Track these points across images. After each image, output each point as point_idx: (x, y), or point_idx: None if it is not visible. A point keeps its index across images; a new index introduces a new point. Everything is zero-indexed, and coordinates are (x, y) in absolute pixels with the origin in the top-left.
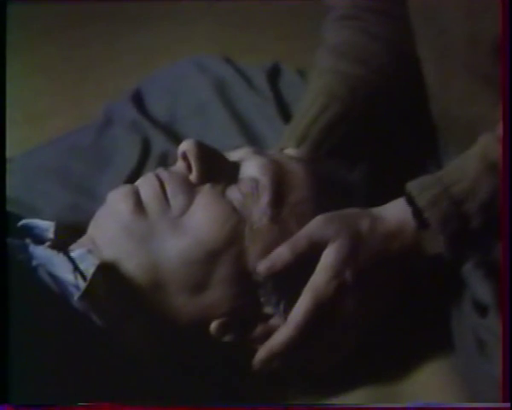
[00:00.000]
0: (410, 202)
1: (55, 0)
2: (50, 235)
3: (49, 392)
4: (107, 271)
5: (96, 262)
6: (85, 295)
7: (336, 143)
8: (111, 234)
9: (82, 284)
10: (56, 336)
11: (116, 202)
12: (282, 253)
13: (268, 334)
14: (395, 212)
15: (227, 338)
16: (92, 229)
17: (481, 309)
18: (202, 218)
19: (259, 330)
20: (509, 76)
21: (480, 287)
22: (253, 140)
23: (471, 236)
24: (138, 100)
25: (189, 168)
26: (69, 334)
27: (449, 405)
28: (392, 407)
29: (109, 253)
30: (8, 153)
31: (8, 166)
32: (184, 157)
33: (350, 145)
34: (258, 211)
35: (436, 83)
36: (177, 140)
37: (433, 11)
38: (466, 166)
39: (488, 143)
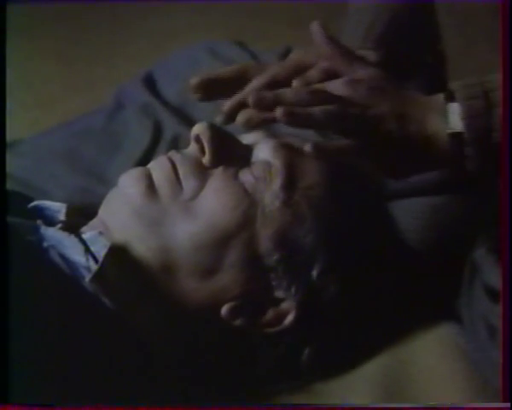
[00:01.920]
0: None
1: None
2: (61, 217)
3: (50, 389)
4: (119, 253)
5: (108, 244)
6: (97, 277)
7: (395, 46)
8: (122, 217)
9: (93, 266)
10: (65, 318)
11: (128, 185)
12: None
13: (279, 318)
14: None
15: (238, 322)
16: (103, 211)
17: (492, 295)
18: (214, 201)
19: (270, 313)
20: (509, 76)
21: (492, 273)
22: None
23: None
24: (150, 83)
25: (202, 151)
26: (79, 316)
27: (449, 405)
28: (392, 406)
29: (120, 236)
30: (20, 136)
31: (18, 148)
32: (197, 140)
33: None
34: (271, 195)
35: (456, 49)
36: (189, 124)
37: None
38: None
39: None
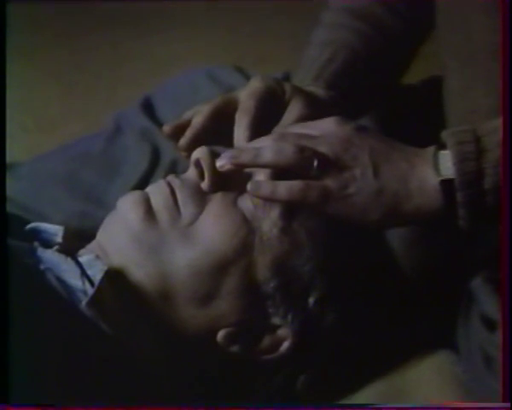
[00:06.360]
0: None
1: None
2: (59, 239)
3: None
4: (115, 278)
5: (104, 268)
6: (93, 301)
7: (347, 87)
8: (120, 242)
9: (90, 290)
10: (61, 339)
11: (126, 210)
12: None
13: (275, 345)
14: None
15: (234, 348)
16: (101, 235)
17: (489, 324)
18: (213, 228)
19: (267, 340)
20: (508, 77)
21: (488, 302)
22: None
23: (482, 186)
24: (149, 108)
25: (202, 176)
26: (75, 338)
27: (449, 405)
28: (392, 407)
29: (118, 260)
30: (19, 159)
31: (17, 171)
32: (197, 164)
33: (359, 91)
34: (269, 222)
35: (456, 91)
36: None
37: (461, 18)
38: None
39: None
